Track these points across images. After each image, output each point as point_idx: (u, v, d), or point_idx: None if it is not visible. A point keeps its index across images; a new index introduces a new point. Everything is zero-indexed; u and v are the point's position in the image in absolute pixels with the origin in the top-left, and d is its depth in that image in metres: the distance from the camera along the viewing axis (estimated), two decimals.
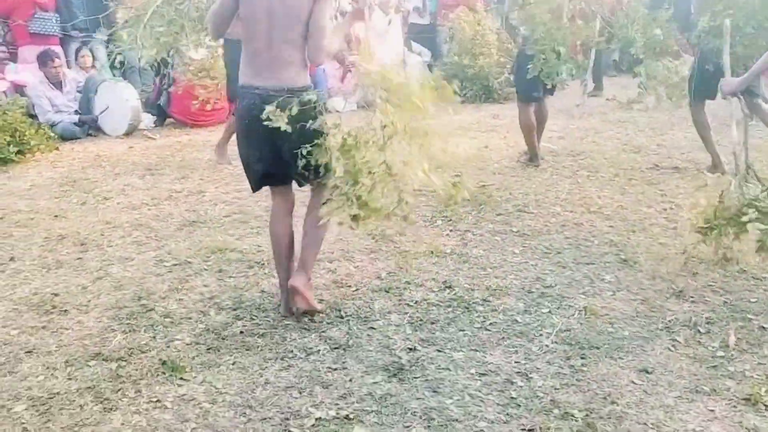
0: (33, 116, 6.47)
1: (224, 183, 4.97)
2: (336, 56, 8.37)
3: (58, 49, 7.32)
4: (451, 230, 3.92)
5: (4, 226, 4.16)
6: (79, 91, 6.92)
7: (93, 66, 7.45)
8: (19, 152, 5.62)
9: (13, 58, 7.57)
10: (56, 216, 4.32)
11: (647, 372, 2.39)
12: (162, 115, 7.34)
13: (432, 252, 3.59)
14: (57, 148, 6.03)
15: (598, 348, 2.57)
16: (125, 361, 2.59)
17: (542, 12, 4.47)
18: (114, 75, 7.57)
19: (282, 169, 2.82)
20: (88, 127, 6.75)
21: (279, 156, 2.76)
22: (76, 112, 6.83)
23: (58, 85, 6.82)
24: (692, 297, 2.95)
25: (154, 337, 2.76)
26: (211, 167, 5.44)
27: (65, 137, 6.49)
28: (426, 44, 9.59)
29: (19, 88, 7.04)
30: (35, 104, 6.65)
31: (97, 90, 6.71)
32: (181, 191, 4.79)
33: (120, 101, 6.64)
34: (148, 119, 7.11)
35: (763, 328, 2.66)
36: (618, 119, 6.64)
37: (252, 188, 2.99)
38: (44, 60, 6.71)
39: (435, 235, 3.85)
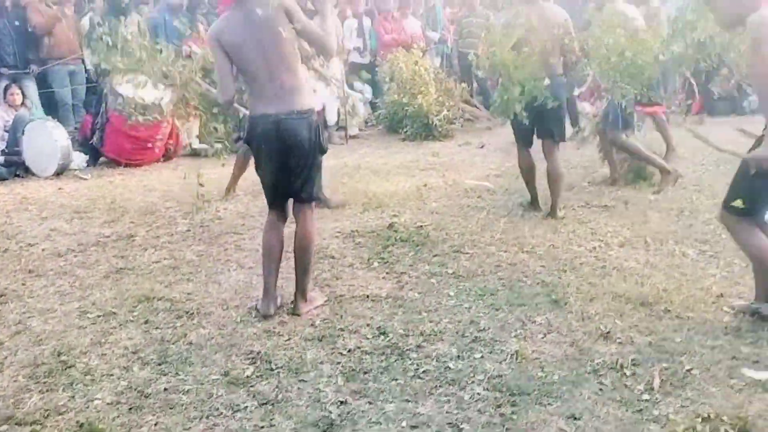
0: None
1: (155, 226, 4.85)
2: None
3: None
4: (387, 272, 3.91)
5: None
6: (6, 131, 6.68)
7: (23, 104, 7.20)
8: None
9: None
10: None
11: (575, 418, 2.41)
12: (95, 154, 7.14)
13: (368, 296, 3.56)
14: None
15: (528, 394, 2.58)
16: (40, 424, 2.46)
17: (503, 52, 4.37)
18: (45, 113, 7.34)
19: (289, 183, 3.28)
20: (16, 167, 6.51)
21: (288, 172, 3.25)
22: (2, 152, 6.57)
23: None
24: (619, 338, 3.01)
25: (73, 397, 2.63)
26: (142, 209, 5.30)
27: None
28: (367, 82, 9.70)
29: None
30: None
31: (25, 130, 6.48)
32: (110, 236, 4.64)
33: (49, 141, 6.43)
34: (79, 159, 6.89)
35: (687, 369, 2.73)
36: None
37: (268, 203, 3.42)
38: None
39: (371, 278, 3.83)
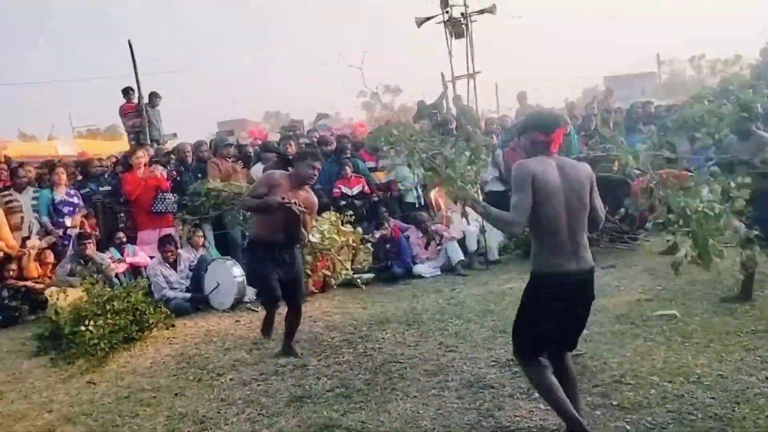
0: (147, 293, 7.15)
1: (324, 355, 5.27)
2: (420, 225, 8.97)
3: (173, 231, 8.21)
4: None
5: (130, 405, 4.55)
6: (191, 269, 7.64)
7: (203, 245, 8.21)
8: (139, 330, 6.13)
9: (131, 241, 8.47)
10: (176, 394, 4.68)
11: None
12: None
13: (533, 428, 3.65)
14: (173, 325, 6.55)
15: None
16: None
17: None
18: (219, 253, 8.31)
19: (573, 335, 3.57)
20: (197, 302, 7.37)
21: (579, 325, 3.55)
22: (187, 289, 7.49)
23: (172, 264, 7.59)
24: None
25: None
26: (310, 339, 5.78)
27: (177, 313, 7.06)
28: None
29: (135, 269, 7.93)
30: (152, 282, 7.37)
31: (207, 268, 7.40)
32: (286, 365, 5.10)
33: (228, 278, 7.27)
34: (251, 292, 7.66)
35: None
36: (707, 279, 6.55)
37: (531, 352, 3.53)
38: (163, 243, 7.58)
39: (534, 408, 3.92)
